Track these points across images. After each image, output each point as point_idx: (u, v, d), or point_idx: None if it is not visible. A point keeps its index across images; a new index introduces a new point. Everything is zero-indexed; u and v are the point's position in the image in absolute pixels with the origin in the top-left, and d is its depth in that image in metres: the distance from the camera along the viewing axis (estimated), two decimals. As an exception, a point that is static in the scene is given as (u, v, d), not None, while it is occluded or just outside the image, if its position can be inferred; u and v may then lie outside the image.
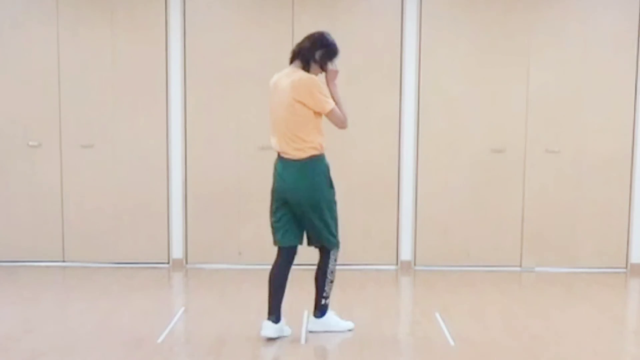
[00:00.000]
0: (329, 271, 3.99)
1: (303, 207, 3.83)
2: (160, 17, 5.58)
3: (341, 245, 4.05)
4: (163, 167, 5.70)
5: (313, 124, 3.80)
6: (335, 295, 4.36)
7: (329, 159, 3.94)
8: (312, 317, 4.08)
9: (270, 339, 3.86)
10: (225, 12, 5.63)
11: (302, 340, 3.87)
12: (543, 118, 5.66)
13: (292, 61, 3.91)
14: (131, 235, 5.75)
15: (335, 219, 3.95)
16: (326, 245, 3.95)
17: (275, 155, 3.95)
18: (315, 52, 3.85)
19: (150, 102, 5.65)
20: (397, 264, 5.78)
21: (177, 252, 5.77)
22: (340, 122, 3.86)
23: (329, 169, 3.90)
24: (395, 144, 5.67)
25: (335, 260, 4.02)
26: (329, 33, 3.92)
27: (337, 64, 4.01)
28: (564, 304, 4.78)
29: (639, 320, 4.81)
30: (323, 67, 3.88)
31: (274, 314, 3.89)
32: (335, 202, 3.95)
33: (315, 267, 4.05)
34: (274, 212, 3.92)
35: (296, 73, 3.82)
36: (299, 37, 4.15)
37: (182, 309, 4.51)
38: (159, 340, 3.83)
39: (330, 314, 4.09)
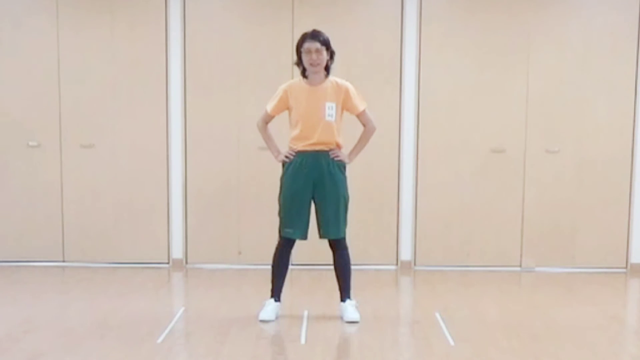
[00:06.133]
0: (350, 260, 4.31)
1: (334, 195, 4.17)
2: (160, 17, 5.58)
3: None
4: (163, 166, 5.70)
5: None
6: (336, 295, 4.37)
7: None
8: (344, 304, 4.28)
9: (269, 321, 4.18)
10: (225, 12, 5.63)
11: (302, 340, 3.87)
12: (543, 118, 5.66)
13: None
14: (131, 235, 5.75)
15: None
16: (341, 234, 4.22)
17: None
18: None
19: (150, 102, 5.65)
20: (397, 264, 5.78)
21: (177, 252, 5.78)
22: None
23: None
24: (395, 144, 5.67)
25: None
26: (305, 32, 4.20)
27: (337, 63, 4.17)
28: (564, 304, 4.78)
29: (639, 320, 4.80)
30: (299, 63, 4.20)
31: (278, 294, 4.29)
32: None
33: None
34: (295, 205, 4.16)
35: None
36: (299, 37, 4.17)
37: (182, 309, 4.51)
38: (159, 340, 3.83)
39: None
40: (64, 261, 5.78)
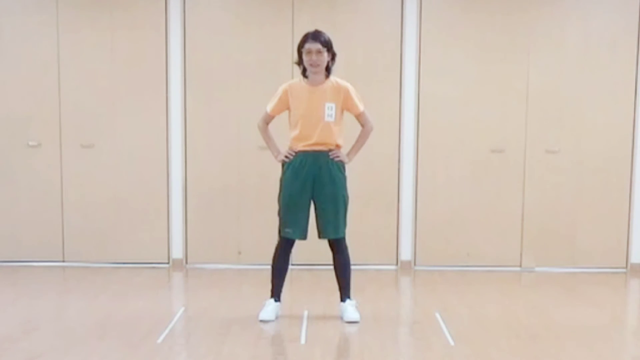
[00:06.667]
0: (349, 260, 4.30)
1: (334, 195, 4.17)
2: (160, 17, 5.58)
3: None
4: (163, 167, 5.70)
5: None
6: (336, 295, 4.37)
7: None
8: (344, 304, 4.28)
9: (269, 321, 4.18)
10: (225, 12, 5.63)
11: (302, 340, 3.87)
12: (543, 118, 5.66)
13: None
14: (131, 235, 5.75)
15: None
16: (340, 234, 4.21)
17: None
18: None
19: (150, 102, 5.65)
20: (397, 264, 5.78)
21: (177, 252, 5.78)
22: None
23: None
24: (395, 144, 5.67)
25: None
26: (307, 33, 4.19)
27: (337, 63, 4.21)
28: (564, 304, 4.78)
29: (639, 320, 4.80)
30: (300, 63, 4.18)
31: (278, 294, 4.29)
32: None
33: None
34: (294, 205, 4.15)
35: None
36: (299, 37, 4.18)
37: (182, 309, 4.51)
38: (159, 340, 3.83)
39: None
40: (64, 261, 5.78)
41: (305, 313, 4.38)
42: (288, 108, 4.20)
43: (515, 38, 5.59)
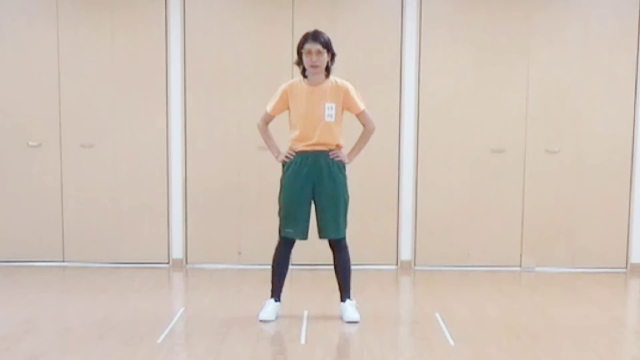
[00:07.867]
0: (350, 260, 4.31)
1: (334, 195, 4.18)
2: (160, 17, 5.58)
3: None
4: (163, 167, 5.70)
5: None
6: (336, 295, 4.37)
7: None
8: (344, 304, 4.28)
9: (269, 321, 4.18)
10: (225, 12, 5.63)
11: (302, 340, 3.87)
12: (543, 118, 5.66)
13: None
14: (131, 235, 5.75)
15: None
16: (341, 234, 4.22)
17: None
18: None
19: (150, 102, 5.65)
20: (397, 264, 5.79)
21: (177, 252, 5.78)
22: None
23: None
24: (395, 144, 5.68)
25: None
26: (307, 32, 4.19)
27: (337, 63, 4.21)
28: (564, 304, 4.78)
29: (639, 320, 4.80)
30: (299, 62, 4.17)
31: (278, 294, 4.29)
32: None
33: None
34: (295, 205, 4.16)
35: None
36: (299, 37, 4.18)
37: (182, 309, 4.51)
38: (159, 340, 3.83)
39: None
40: (64, 261, 5.78)
41: (305, 313, 4.38)
42: (288, 108, 4.20)
43: (515, 38, 5.59)
